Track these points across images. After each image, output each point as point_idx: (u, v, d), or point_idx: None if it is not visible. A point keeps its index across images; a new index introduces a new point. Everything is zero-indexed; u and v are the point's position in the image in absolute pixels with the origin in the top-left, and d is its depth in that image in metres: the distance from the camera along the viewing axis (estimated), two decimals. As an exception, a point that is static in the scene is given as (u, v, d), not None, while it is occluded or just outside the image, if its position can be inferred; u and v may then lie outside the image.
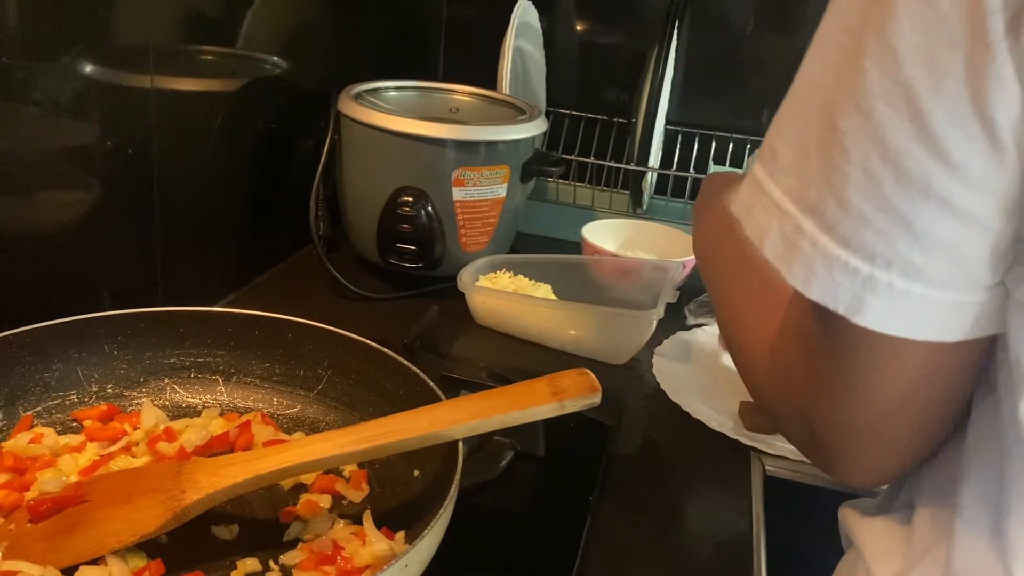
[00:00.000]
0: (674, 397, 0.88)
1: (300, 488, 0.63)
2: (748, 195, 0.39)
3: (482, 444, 0.73)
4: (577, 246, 1.15)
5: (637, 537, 0.70)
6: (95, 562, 0.53)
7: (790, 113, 0.38)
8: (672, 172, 1.33)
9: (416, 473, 0.63)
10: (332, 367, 0.70)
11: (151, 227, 0.84)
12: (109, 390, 0.69)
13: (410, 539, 0.57)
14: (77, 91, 0.71)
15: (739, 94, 1.42)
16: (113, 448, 0.64)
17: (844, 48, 0.34)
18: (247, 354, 0.72)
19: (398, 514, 0.60)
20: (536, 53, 1.37)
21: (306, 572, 0.55)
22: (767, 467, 0.81)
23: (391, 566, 0.48)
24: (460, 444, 0.58)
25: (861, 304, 0.35)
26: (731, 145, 1.40)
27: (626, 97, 1.44)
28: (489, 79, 1.20)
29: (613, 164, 1.32)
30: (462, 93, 1.17)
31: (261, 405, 0.71)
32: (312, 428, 0.70)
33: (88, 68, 0.72)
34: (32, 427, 0.64)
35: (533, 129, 1.06)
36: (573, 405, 0.58)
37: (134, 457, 0.63)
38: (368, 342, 0.69)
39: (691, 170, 1.35)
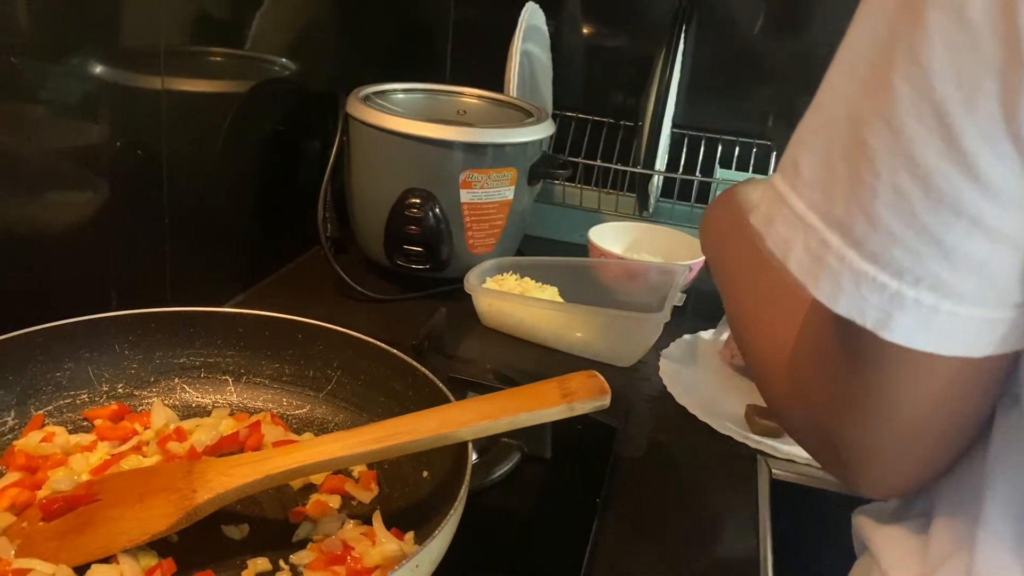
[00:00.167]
0: (680, 400, 0.88)
1: (310, 488, 0.63)
2: (769, 207, 0.39)
3: (489, 446, 0.73)
4: (583, 249, 1.15)
5: (643, 540, 0.70)
6: (107, 561, 0.53)
7: (814, 125, 0.37)
8: (678, 175, 1.33)
9: (425, 474, 0.63)
10: (342, 368, 0.71)
11: (160, 227, 0.84)
12: (120, 389, 0.69)
13: (419, 540, 0.57)
14: (87, 92, 0.72)
15: (745, 97, 1.42)
16: (124, 447, 0.64)
17: (872, 62, 0.34)
18: (257, 354, 0.72)
19: (407, 515, 0.60)
20: (543, 56, 1.37)
21: (316, 572, 0.55)
22: (773, 470, 0.81)
23: (403, 566, 0.48)
24: (469, 445, 0.58)
25: (889, 320, 0.35)
26: (737, 148, 1.40)
27: (632, 100, 1.44)
28: (496, 82, 1.20)
29: (619, 167, 1.32)
30: (469, 95, 1.18)
31: (271, 405, 0.71)
32: (321, 429, 0.70)
33: (98, 69, 0.72)
34: (44, 426, 0.64)
35: (540, 132, 1.06)
36: (582, 407, 0.58)
37: (144, 457, 0.64)
38: (378, 343, 0.69)
39: (697, 173, 1.35)
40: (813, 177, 0.37)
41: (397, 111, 1.03)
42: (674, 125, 1.40)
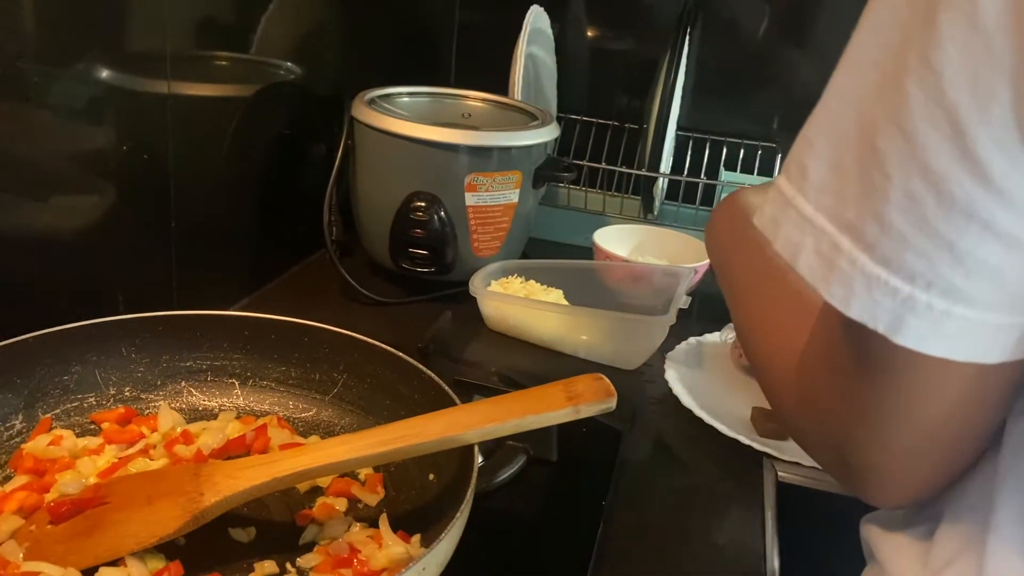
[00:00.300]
0: (686, 403, 0.88)
1: (316, 491, 0.63)
2: (775, 210, 0.38)
3: (495, 448, 0.73)
4: (588, 251, 1.15)
5: (649, 542, 0.70)
6: (115, 563, 0.53)
7: (821, 128, 0.37)
8: (683, 178, 1.33)
9: (431, 477, 0.63)
10: (348, 371, 0.71)
11: (166, 231, 0.84)
12: (127, 393, 0.69)
13: (426, 543, 0.57)
14: (93, 96, 0.72)
15: (750, 99, 1.42)
16: (131, 450, 0.64)
17: (883, 66, 0.34)
18: (263, 357, 0.72)
19: (413, 517, 0.60)
20: (548, 59, 1.37)
21: (323, 575, 0.55)
22: (780, 473, 0.81)
23: (410, 569, 0.48)
24: (475, 448, 0.58)
25: (901, 324, 0.35)
26: (742, 151, 1.40)
27: (637, 103, 1.44)
28: (501, 85, 1.20)
29: (624, 169, 1.32)
30: (474, 99, 1.18)
31: (277, 408, 0.71)
32: (327, 431, 0.70)
33: (104, 73, 0.73)
34: (51, 429, 0.64)
35: (545, 135, 1.06)
36: (588, 410, 0.58)
37: (151, 460, 0.64)
38: (384, 346, 0.69)
39: (702, 176, 1.35)
40: (822, 180, 0.36)
41: (402, 114, 1.04)
42: (679, 128, 1.40)
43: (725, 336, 1.02)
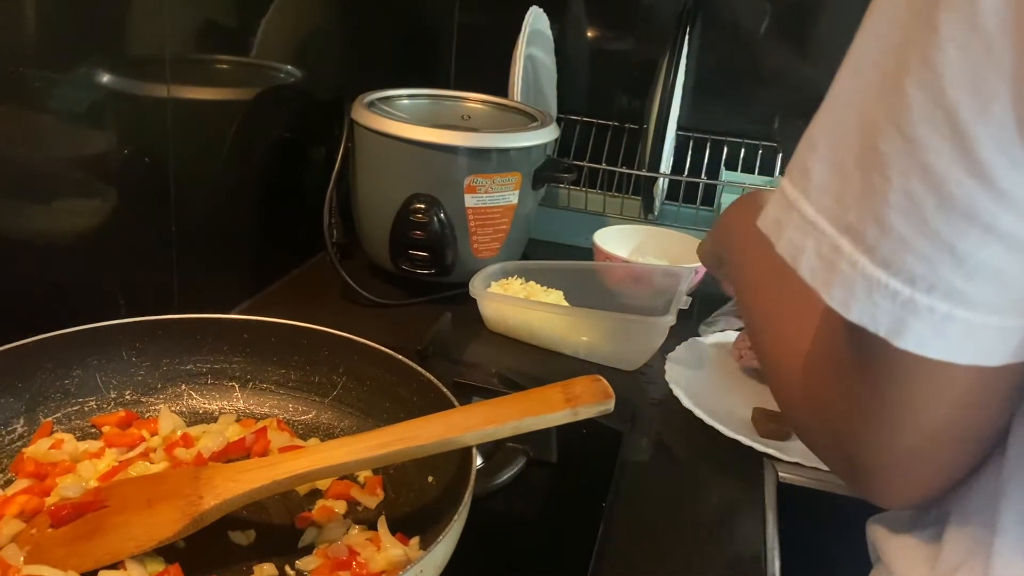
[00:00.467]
0: (687, 403, 0.88)
1: (315, 494, 0.64)
2: (778, 212, 0.38)
3: (495, 450, 0.73)
4: (589, 252, 1.15)
5: (650, 544, 0.70)
6: (115, 567, 0.54)
7: (823, 130, 0.37)
8: (684, 178, 1.33)
9: (430, 479, 0.63)
10: (347, 373, 0.71)
11: (167, 234, 0.84)
12: (127, 396, 0.69)
13: (424, 545, 0.57)
14: (94, 100, 0.72)
15: (751, 99, 1.42)
16: (131, 454, 0.64)
17: (884, 68, 0.34)
18: (263, 360, 0.72)
19: (412, 520, 0.60)
20: (547, 60, 1.37)
21: (322, 577, 0.55)
22: (780, 473, 0.81)
23: (407, 572, 0.48)
24: (474, 450, 0.59)
25: (902, 327, 0.34)
26: (743, 150, 1.40)
27: (637, 103, 1.44)
28: (500, 86, 1.20)
29: (624, 170, 1.32)
30: (474, 100, 1.18)
31: (277, 411, 0.71)
32: (327, 434, 0.70)
33: (105, 77, 0.73)
34: (52, 433, 0.65)
35: (545, 136, 1.07)
36: (586, 412, 0.59)
37: (152, 463, 0.64)
38: (383, 349, 0.69)
39: (703, 176, 1.35)
40: (823, 182, 0.36)
41: (402, 117, 1.04)
42: (679, 128, 1.40)
43: (711, 327, 1.02)
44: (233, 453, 0.65)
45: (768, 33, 1.39)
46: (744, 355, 0.96)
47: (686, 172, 1.36)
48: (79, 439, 0.65)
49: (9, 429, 0.64)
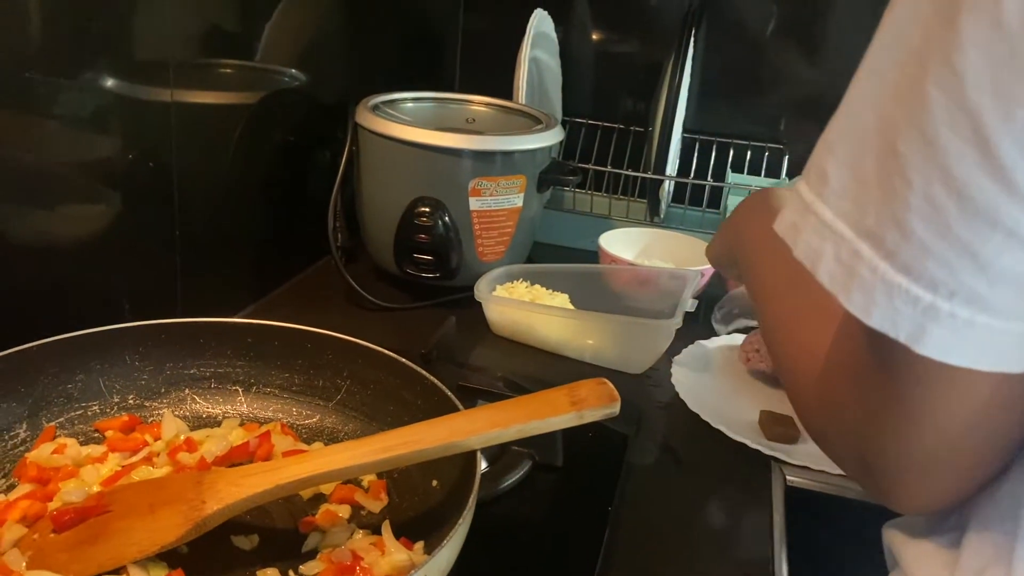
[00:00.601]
0: (693, 407, 0.87)
1: (319, 498, 0.63)
2: (795, 216, 0.38)
3: (500, 454, 0.73)
4: (594, 255, 1.15)
5: (656, 548, 0.70)
6: (117, 572, 0.53)
7: (841, 132, 0.37)
8: (689, 180, 1.33)
9: (434, 483, 0.63)
10: (351, 377, 0.71)
11: (171, 239, 0.84)
12: (130, 401, 0.69)
13: (429, 549, 0.57)
14: (98, 105, 0.72)
15: (756, 101, 1.41)
16: (134, 459, 0.64)
17: (904, 70, 0.33)
18: (267, 364, 0.72)
19: (417, 524, 0.60)
20: (552, 63, 1.37)
21: (325, 582, 0.55)
22: (788, 477, 0.80)
23: (411, 576, 0.48)
24: (478, 454, 0.58)
25: (923, 333, 0.34)
26: (749, 152, 1.39)
27: (642, 106, 1.44)
28: (505, 89, 1.20)
29: (630, 173, 1.32)
30: (478, 103, 1.18)
31: (280, 415, 0.71)
32: (331, 438, 0.70)
33: (109, 82, 0.73)
34: (55, 438, 0.64)
35: (549, 138, 1.06)
36: (592, 415, 0.58)
37: (155, 468, 0.64)
38: (387, 352, 0.69)
39: (708, 178, 1.34)
40: (842, 186, 0.36)
41: (406, 120, 1.04)
42: (685, 130, 1.39)
43: (724, 328, 1.01)
44: (236, 457, 0.65)
45: (774, 35, 1.38)
46: (751, 358, 0.96)
47: (692, 174, 1.36)
48: (82, 444, 0.65)
49: (12, 434, 0.63)
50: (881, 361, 0.39)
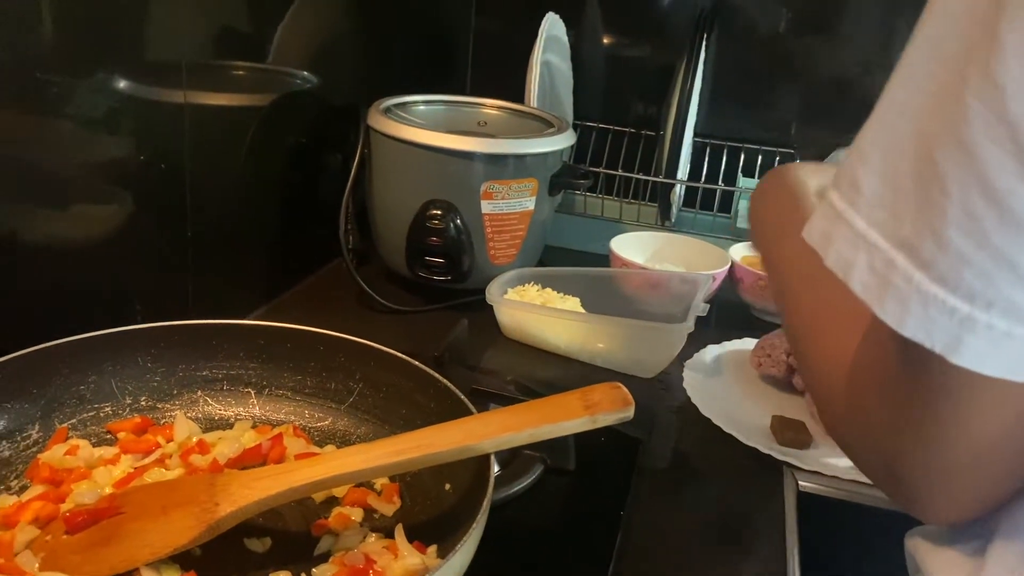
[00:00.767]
0: (705, 411, 0.87)
1: (332, 501, 0.63)
2: (826, 224, 0.37)
3: (512, 458, 0.72)
4: (605, 259, 1.14)
5: (668, 552, 0.69)
6: (130, 574, 0.53)
7: (875, 141, 0.36)
8: (700, 184, 1.32)
9: (447, 487, 0.62)
10: (363, 380, 0.70)
11: (182, 240, 0.84)
12: (143, 402, 0.69)
13: (442, 553, 0.56)
14: (110, 106, 0.72)
15: (768, 105, 1.41)
16: (147, 460, 0.64)
17: (942, 79, 0.33)
18: (279, 367, 0.72)
19: (429, 528, 0.59)
20: (563, 66, 1.37)
21: (338, 585, 0.55)
22: (800, 482, 0.80)
23: (424, 580, 0.48)
24: (492, 458, 0.58)
25: (959, 344, 0.34)
26: (760, 157, 1.39)
27: (653, 109, 1.44)
28: (516, 92, 1.20)
29: (641, 176, 1.32)
30: (490, 106, 1.18)
31: (293, 418, 0.71)
32: (343, 441, 0.70)
33: (121, 84, 0.73)
34: (67, 439, 0.64)
35: (561, 142, 1.06)
36: (605, 419, 0.58)
37: (167, 469, 0.64)
38: (400, 355, 0.69)
39: (719, 182, 1.34)
40: (875, 195, 0.35)
41: (418, 123, 1.04)
42: (696, 134, 1.39)
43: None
44: (249, 460, 0.65)
45: (785, 39, 1.38)
46: (763, 363, 0.95)
47: (703, 179, 1.35)
48: (94, 445, 0.65)
49: (24, 435, 0.63)
50: (912, 369, 0.39)
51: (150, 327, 0.69)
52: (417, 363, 0.68)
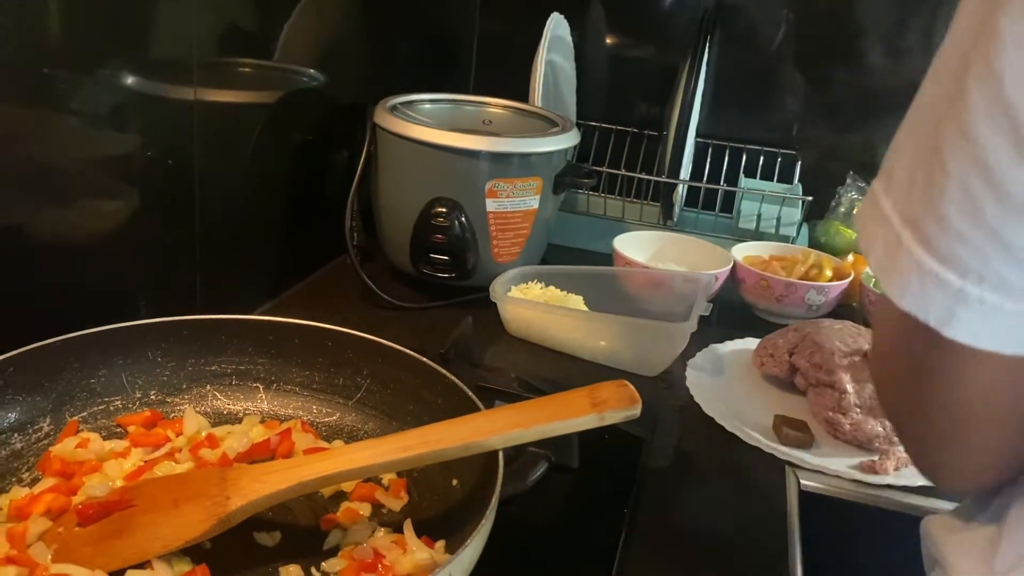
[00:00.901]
0: (708, 410, 0.88)
1: (340, 496, 0.64)
2: (867, 207, 0.40)
3: (516, 455, 0.73)
4: (608, 258, 1.15)
5: (671, 550, 0.70)
6: (141, 566, 0.54)
7: (906, 132, 0.39)
8: (703, 185, 1.33)
9: (455, 483, 0.63)
10: (371, 376, 0.71)
11: (190, 236, 0.85)
12: (152, 396, 0.69)
13: (450, 549, 0.57)
14: (119, 102, 0.73)
15: (770, 106, 1.42)
16: (157, 454, 0.65)
17: (954, 70, 0.35)
18: (287, 362, 0.72)
19: (437, 523, 0.60)
20: (567, 66, 1.37)
21: (348, 579, 0.55)
22: (802, 481, 0.80)
23: (435, 575, 0.48)
24: (500, 454, 0.58)
25: (951, 317, 0.36)
26: (761, 158, 1.40)
27: (656, 110, 1.44)
28: (520, 91, 1.20)
29: (644, 176, 1.32)
30: (495, 105, 1.18)
31: (301, 413, 0.71)
32: (351, 436, 0.70)
33: (130, 80, 0.73)
34: (78, 432, 0.65)
35: (565, 141, 1.07)
36: (613, 417, 0.58)
37: (177, 463, 0.64)
38: (408, 351, 0.69)
39: (721, 183, 1.35)
40: (899, 179, 0.38)
41: (424, 121, 1.04)
42: (698, 134, 1.40)
43: None
44: (258, 454, 0.65)
45: (787, 41, 1.38)
46: (765, 362, 0.96)
47: (705, 179, 1.36)
48: (105, 438, 0.65)
49: (36, 428, 0.64)
50: (912, 344, 0.41)
51: (160, 322, 0.69)
52: (425, 359, 0.68)
